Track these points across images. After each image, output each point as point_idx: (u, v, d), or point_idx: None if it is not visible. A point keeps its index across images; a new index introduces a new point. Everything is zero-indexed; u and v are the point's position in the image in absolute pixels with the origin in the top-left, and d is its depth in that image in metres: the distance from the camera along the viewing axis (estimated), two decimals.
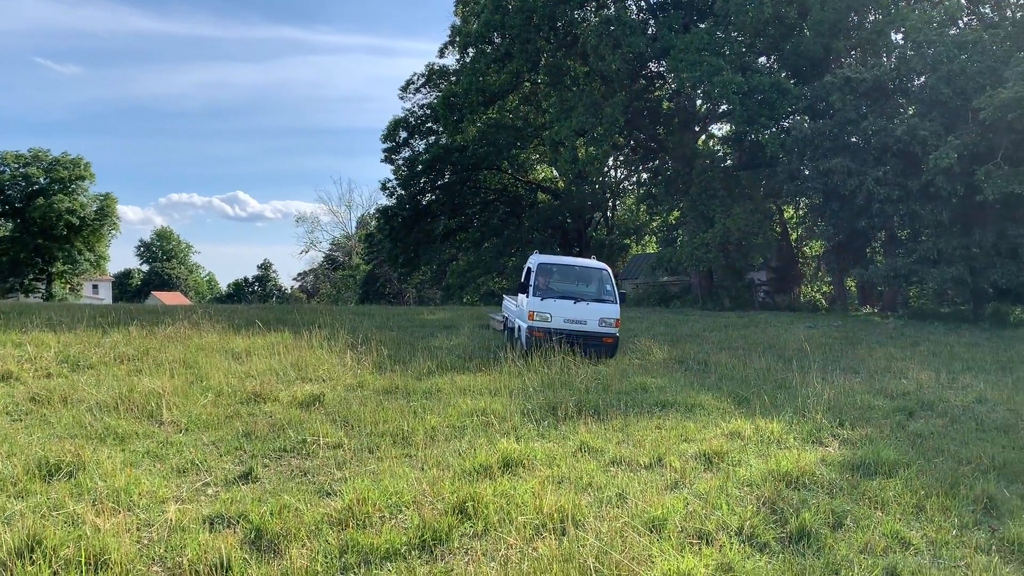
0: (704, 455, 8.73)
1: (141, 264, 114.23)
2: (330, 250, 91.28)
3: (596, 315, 16.22)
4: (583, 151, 37.02)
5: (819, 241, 41.04)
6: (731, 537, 6.29)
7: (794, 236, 43.58)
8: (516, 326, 17.37)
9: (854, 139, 31.85)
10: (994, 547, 6.40)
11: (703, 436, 9.65)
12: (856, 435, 10.05)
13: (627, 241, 56.09)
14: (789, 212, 43.14)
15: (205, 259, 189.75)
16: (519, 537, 5.84)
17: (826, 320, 28.64)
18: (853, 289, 41.04)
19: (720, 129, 43.36)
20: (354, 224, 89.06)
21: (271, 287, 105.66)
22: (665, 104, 41.10)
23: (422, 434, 9.49)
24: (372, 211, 73.58)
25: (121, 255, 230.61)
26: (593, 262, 17.86)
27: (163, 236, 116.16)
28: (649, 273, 44.57)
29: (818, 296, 44.26)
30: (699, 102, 40.32)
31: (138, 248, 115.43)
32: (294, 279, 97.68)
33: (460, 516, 6.56)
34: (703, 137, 42.81)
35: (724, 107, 37.82)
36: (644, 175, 47.52)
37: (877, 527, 6.66)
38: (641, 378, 13.69)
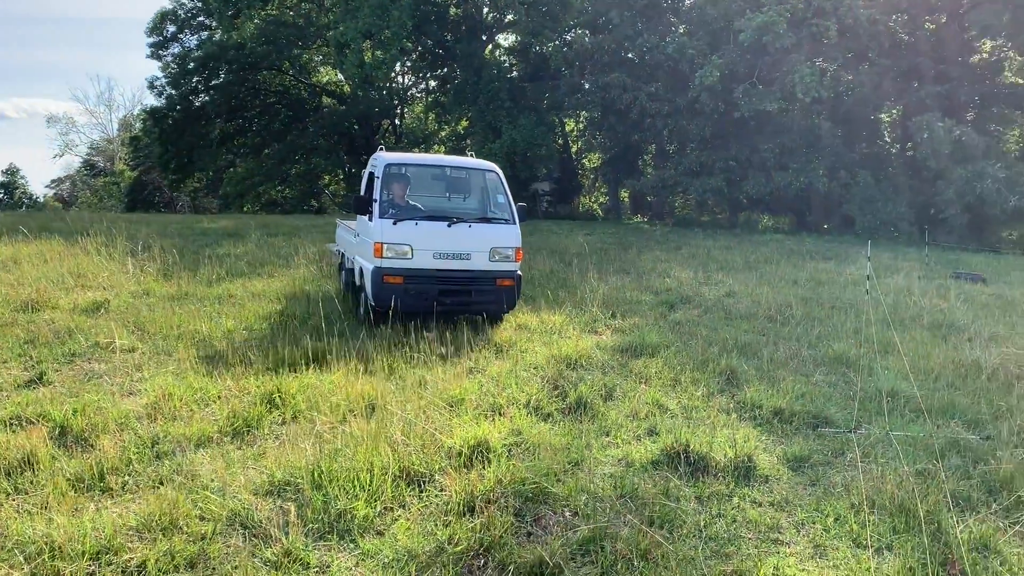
0: (496, 345, 9.52)
1: None
2: (89, 154, 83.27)
3: (484, 243, 10.54)
4: (369, 55, 36.26)
5: (597, 153, 43.39)
6: (520, 409, 7.09)
7: (574, 148, 45.66)
8: (357, 268, 11.33)
9: (630, 55, 33.66)
10: (733, 408, 7.66)
11: (495, 330, 10.44)
12: (626, 324, 11.29)
13: (416, 150, 56.01)
14: (570, 125, 45.03)
15: None
16: (331, 417, 6.25)
17: (602, 228, 30.67)
18: (626, 199, 43.96)
19: (506, 39, 44.04)
20: (116, 126, 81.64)
21: (20, 195, 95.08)
22: (453, 10, 40.97)
23: (220, 337, 9.54)
24: (136, 112, 67.73)
25: None
26: (473, 161, 11.98)
27: None
28: None
29: (595, 206, 46.96)
30: (486, 10, 40.57)
31: None
32: (48, 186, 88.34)
33: (269, 406, 6.86)
34: (490, 47, 43.29)
35: (510, 16, 38.39)
36: (432, 83, 47.43)
37: (641, 397, 7.74)
38: None
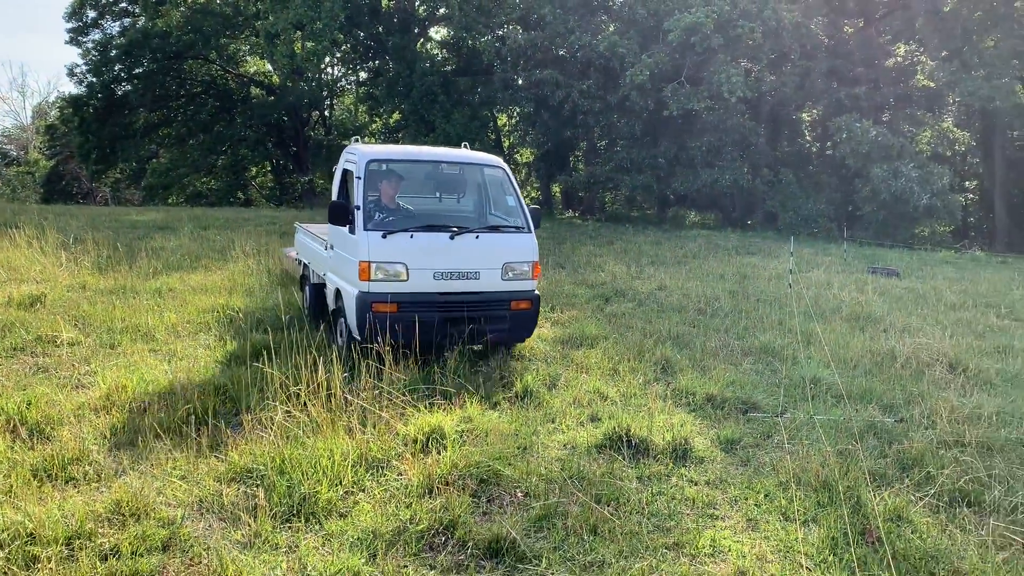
0: None
1: None
2: (0, 143, 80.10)
3: (495, 258, 8.66)
4: (299, 45, 35.89)
5: (529, 149, 43.83)
6: (469, 397, 7.37)
7: (507, 143, 45.98)
8: (332, 289, 9.21)
9: (562, 52, 34.07)
10: (668, 395, 8.09)
11: None
12: (565, 317, 11.66)
13: (346, 142, 55.50)
14: (503, 120, 45.35)
15: None
16: (288, 407, 6.41)
17: None
18: (558, 194, 44.51)
19: (438, 33, 44.04)
20: (30, 114, 78.48)
21: None
22: (385, 2, 40.81)
23: (163, 330, 9.55)
24: (52, 99, 65.33)
25: None
26: (472, 154, 9.90)
27: None
28: None
29: (528, 201, 47.41)
30: (418, 3, 40.54)
31: None
32: None
33: (223, 397, 6.99)
34: (422, 40, 43.25)
35: (443, 10, 38.43)
36: (363, 74, 47.17)
37: (583, 386, 8.11)
38: None
